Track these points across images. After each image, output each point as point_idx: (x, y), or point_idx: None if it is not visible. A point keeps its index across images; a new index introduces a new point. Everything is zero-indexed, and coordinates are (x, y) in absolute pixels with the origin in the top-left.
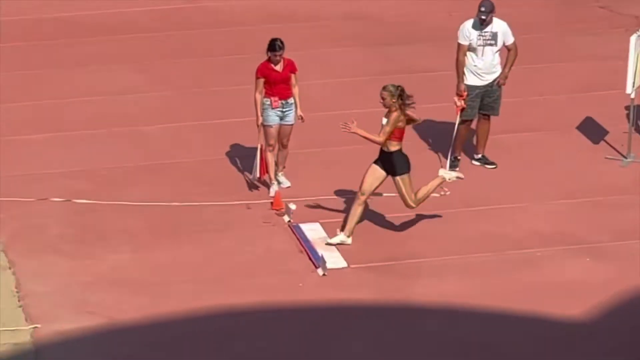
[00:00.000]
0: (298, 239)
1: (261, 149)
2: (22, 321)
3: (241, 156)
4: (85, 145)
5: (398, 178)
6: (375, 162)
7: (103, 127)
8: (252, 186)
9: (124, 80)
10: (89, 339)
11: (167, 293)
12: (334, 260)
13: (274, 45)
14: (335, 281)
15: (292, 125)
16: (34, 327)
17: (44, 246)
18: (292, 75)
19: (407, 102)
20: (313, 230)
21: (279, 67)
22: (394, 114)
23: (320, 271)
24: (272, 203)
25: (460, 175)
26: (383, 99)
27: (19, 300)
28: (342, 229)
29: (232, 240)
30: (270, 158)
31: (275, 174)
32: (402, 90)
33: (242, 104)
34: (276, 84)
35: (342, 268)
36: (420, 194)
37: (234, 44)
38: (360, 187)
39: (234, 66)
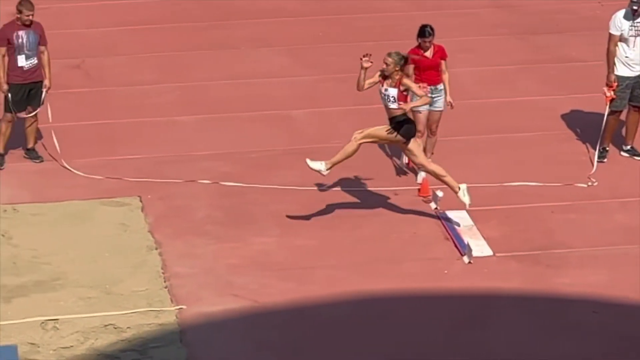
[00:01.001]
0: (444, 226)
1: None
2: (167, 302)
3: None
4: (233, 128)
5: (409, 143)
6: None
7: (251, 110)
8: (399, 172)
9: (272, 64)
10: (233, 321)
11: (312, 277)
12: (480, 248)
13: (424, 31)
14: (480, 269)
15: (441, 111)
16: (179, 309)
17: (191, 228)
18: (442, 62)
19: (408, 73)
20: (460, 218)
21: (428, 53)
22: (406, 81)
23: (465, 259)
24: (419, 190)
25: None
26: (387, 65)
27: (164, 282)
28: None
29: (378, 225)
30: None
31: None
32: (406, 62)
33: None
34: (425, 70)
35: (488, 256)
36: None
37: (382, 29)
38: (363, 132)
39: (382, 52)
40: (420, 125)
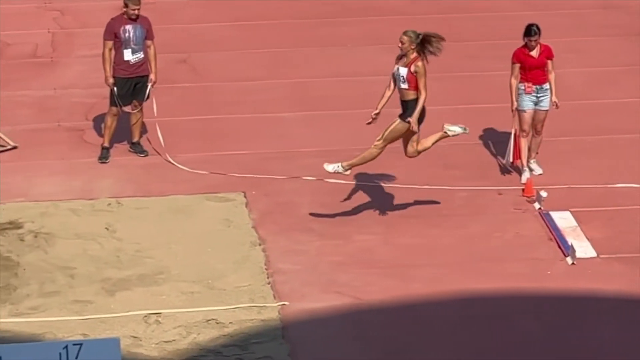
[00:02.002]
0: (548, 226)
1: (515, 134)
2: (270, 298)
3: (495, 141)
4: (337, 125)
5: (397, 121)
6: (400, 116)
7: (356, 108)
8: (504, 171)
9: (379, 62)
10: (336, 318)
11: (415, 275)
12: (584, 249)
13: (530, 30)
14: (583, 270)
15: (546, 111)
16: (281, 305)
17: (294, 224)
18: (549, 62)
19: (431, 49)
20: (563, 219)
21: (534, 53)
22: (421, 64)
23: (569, 260)
24: (523, 190)
25: (465, 129)
26: (402, 43)
27: (267, 278)
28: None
29: (481, 225)
30: (524, 144)
31: (528, 161)
32: (424, 38)
33: (496, 89)
34: (531, 70)
35: (592, 257)
36: (421, 146)
37: (490, 29)
38: (381, 137)
39: (485, 51)
40: (525, 125)
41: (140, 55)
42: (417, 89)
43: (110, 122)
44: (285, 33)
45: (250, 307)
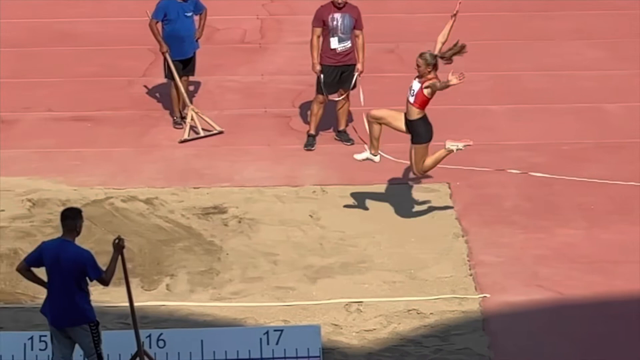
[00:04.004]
0: None
1: None
2: (472, 290)
3: None
4: (544, 119)
5: (414, 146)
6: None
7: (562, 102)
8: None
9: (586, 56)
10: (536, 312)
11: (618, 272)
12: None
13: None
14: None
15: None
16: (482, 297)
17: (498, 217)
18: None
19: (447, 60)
20: None
21: None
22: (436, 82)
23: None
24: None
25: (468, 142)
26: (418, 66)
27: (469, 269)
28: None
29: None
30: None
31: None
32: (436, 63)
33: None
34: None
35: None
36: (426, 165)
37: None
38: (376, 112)
39: None
40: None
41: (348, 44)
42: (422, 107)
43: (316, 109)
44: (494, 25)
45: (451, 298)
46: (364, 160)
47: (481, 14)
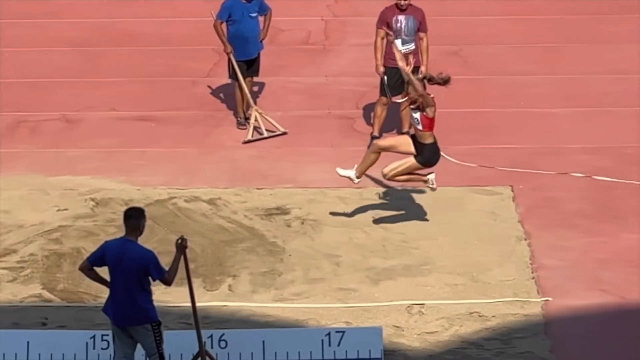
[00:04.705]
0: None
1: None
2: (534, 293)
3: None
4: (608, 122)
5: (414, 158)
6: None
7: (627, 106)
8: None
9: None
10: (599, 316)
11: None
12: None
13: None
14: None
15: None
16: (544, 300)
17: (560, 220)
18: None
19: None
20: None
21: None
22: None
23: None
24: None
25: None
26: (408, 93)
27: (532, 272)
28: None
29: None
30: None
31: None
32: (429, 80)
33: None
34: None
35: None
36: (399, 178)
37: None
38: (382, 142)
39: None
40: None
41: (411, 46)
42: (431, 128)
43: (380, 111)
44: (559, 28)
45: (513, 301)
46: (343, 177)
47: (545, 17)
